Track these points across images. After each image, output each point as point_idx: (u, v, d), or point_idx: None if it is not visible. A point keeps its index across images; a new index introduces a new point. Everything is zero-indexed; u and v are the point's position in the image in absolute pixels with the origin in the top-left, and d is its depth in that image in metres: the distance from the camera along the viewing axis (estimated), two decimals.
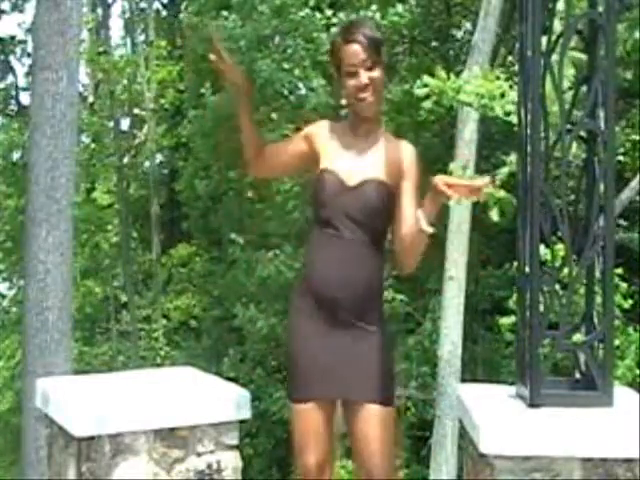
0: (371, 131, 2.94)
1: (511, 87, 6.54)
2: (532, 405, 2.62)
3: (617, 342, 8.35)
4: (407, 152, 2.94)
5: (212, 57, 2.99)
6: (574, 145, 2.91)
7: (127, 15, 20.34)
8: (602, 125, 2.70)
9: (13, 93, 21.57)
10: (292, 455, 12.44)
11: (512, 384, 2.88)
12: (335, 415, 2.91)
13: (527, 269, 2.72)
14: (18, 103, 21.22)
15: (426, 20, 13.24)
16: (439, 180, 2.62)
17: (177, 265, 17.73)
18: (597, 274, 2.80)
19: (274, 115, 11.65)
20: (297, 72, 11.54)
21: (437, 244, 10.29)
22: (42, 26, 7.41)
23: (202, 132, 13.74)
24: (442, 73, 6.69)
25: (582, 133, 2.80)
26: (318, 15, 11.52)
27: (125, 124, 20.09)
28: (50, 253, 7.30)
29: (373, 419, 2.82)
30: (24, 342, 7.60)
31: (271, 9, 11.62)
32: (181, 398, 2.90)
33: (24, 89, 20.42)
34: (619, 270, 7.91)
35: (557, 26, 2.79)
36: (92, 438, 2.69)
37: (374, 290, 2.89)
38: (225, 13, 12.08)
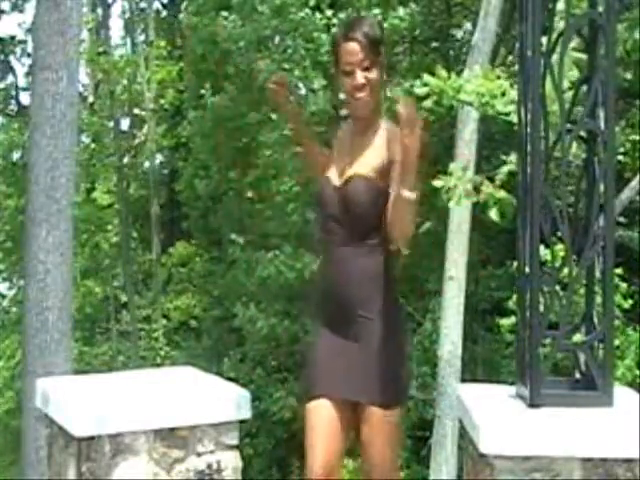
0: (369, 127, 2.93)
1: (512, 86, 6.53)
2: (532, 405, 2.62)
3: (617, 342, 8.35)
4: (396, 136, 2.85)
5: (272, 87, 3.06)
6: (574, 145, 2.91)
7: (127, 15, 20.35)
8: (602, 125, 2.70)
9: (13, 93, 21.60)
10: (292, 455, 12.46)
11: (512, 384, 2.88)
12: (347, 415, 2.88)
13: (527, 269, 2.72)
14: (18, 103, 21.24)
15: (426, 20, 13.24)
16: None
17: (177, 265, 17.74)
18: (597, 274, 2.80)
19: (274, 115, 11.64)
20: (297, 72, 11.54)
21: (437, 244, 10.30)
22: (42, 26, 7.42)
23: (202, 132, 13.74)
24: (443, 72, 6.68)
25: (582, 133, 2.80)
26: (318, 15, 11.51)
27: (125, 124, 20.12)
28: (50, 253, 7.30)
29: (374, 422, 2.81)
30: (24, 342, 7.60)
31: (271, 9, 11.61)
32: (181, 398, 2.90)
33: (24, 89, 20.45)
34: (619, 270, 7.91)
35: (557, 26, 2.79)
36: (92, 438, 2.69)
37: (375, 286, 2.86)
38: (225, 13, 12.08)
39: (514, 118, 3.10)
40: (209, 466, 2.85)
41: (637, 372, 8.62)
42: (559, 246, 2.77)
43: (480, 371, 11.75)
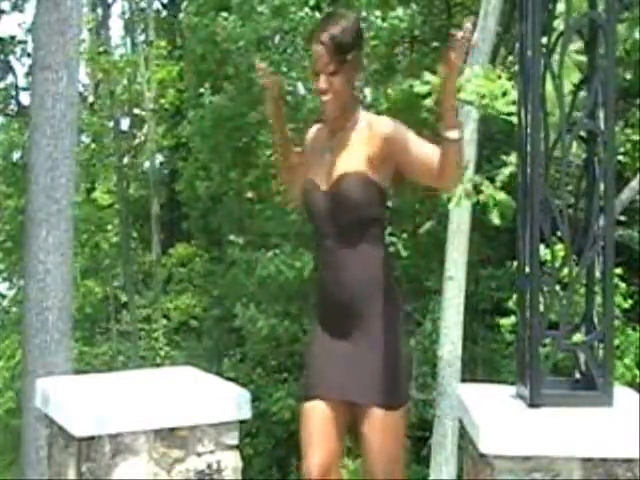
0: (344, 124, 2.87)
1: (512, 87, 6.53)
2: (532, 405, 2.62)
3: (617, 342, 8.36)
4: (383, 130, 2.81)
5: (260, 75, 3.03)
6: (574, 145, 2.91)
7: (127, 15, 20.35)
8: (602, 125, 2.70)
9: (13, 93, 21.59)
10: (292, 455, 12.46)
11: (512, 384, 2.88)
12: (345, 417, 2.88)
13: (527, 269, 2.72)
14: (18, 103, 21.23)
15: (426, 20, 13.24)
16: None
17: (177, 265, 17.74)
18: (597, 274, 2.80)
19: None
20: (296, 73, 11.54)
21: (437, 244, 10.30)
22: (42, 26, 7.41)
23: (202, 132, 13.73)
24: None
25: (582, 133, 2.80)
26: (318, 15, 11.50)
27: (125, 124, 20.11)
28: (50, 253, 7.30)
29: (374, 423, 2.79)
30: (24, 342, 7.59)
31: (271, 9, 11.61)
32: (181, 398, 2.90)
33: (24, 89, 20.43)
34: (619, 270, 7.91)
35: (557, 26, 2.79)
36: (92, 438, 2.69)
37: (373, 288, 2.83)
38: (225, 13, 12.08)
39: (514, 118, 3.09)
40: (209, 466, 2.85)
41: (637, 372, 8.63)
42: (559, 246, 2.77)
43: (480, 371, 11.75)
